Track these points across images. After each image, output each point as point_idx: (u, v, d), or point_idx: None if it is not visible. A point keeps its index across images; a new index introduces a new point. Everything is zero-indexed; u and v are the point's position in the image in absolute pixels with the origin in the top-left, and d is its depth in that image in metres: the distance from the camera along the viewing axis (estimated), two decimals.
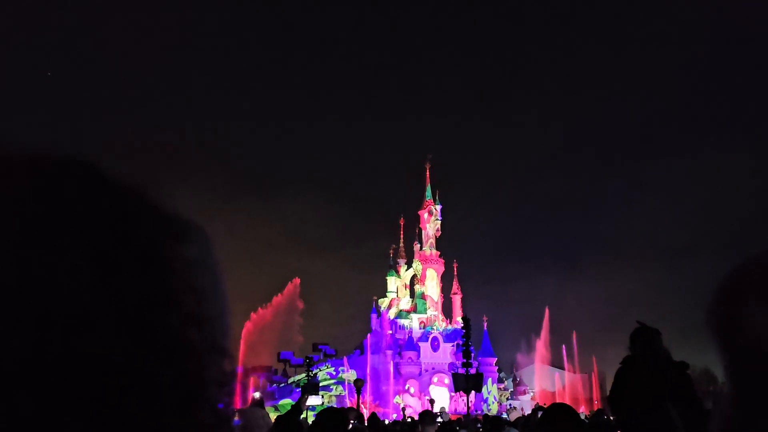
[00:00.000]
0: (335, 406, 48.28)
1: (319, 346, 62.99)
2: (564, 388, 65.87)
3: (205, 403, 0.55)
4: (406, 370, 58.02)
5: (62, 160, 0.54)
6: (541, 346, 71.92)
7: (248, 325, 57.09)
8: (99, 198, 0.53)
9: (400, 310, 62.69)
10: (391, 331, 60.68)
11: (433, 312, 63.98)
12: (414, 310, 63.28)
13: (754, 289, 0.78)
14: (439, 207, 65.90)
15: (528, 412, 22.29)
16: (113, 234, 0.51)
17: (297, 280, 60.15)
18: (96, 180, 0.54)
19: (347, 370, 58.00)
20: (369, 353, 59.62)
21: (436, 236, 65.93)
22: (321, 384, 45.07)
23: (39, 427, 0.45)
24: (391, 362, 58.22)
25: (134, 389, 0.49)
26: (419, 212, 66.38)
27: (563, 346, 72.74)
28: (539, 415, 4.42)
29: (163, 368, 0.51)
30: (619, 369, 4.01)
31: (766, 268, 0.79)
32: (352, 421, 9.45)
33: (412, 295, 65.18)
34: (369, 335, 62.07)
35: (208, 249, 0.59)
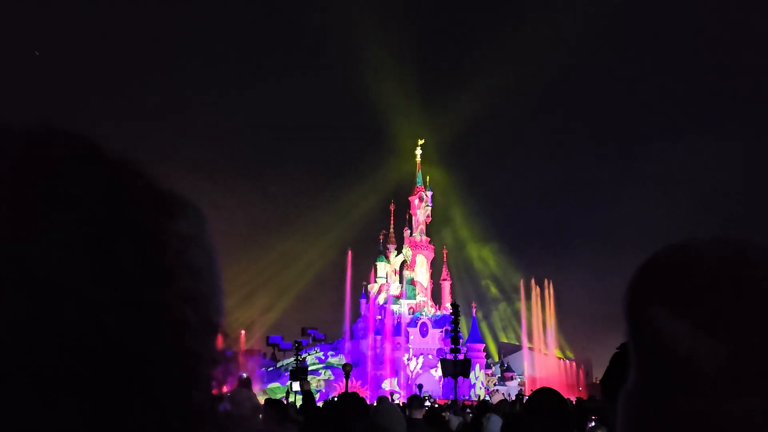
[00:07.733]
0: (324, 390, 48.61)
1: (308, 331, 63.15)
2: (552, 374, 66.37)
3: (200, 381, 0.54)
4: (394, 355, 58.27)
5: (59, 133, 0.53)
6: (530, 332, 72.51)
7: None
8: (94, 172, 0.52)
9: (390, 296, 62.87)
10: (380, 317, 60.87)
11: (423, 298, 64.21)
12: (403, 295, 63.44)
13: (658, 290, 0.74)
14: (429, 193, 65.90)
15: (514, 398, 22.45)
16: (108, 209, 0.51)
17: None
18: (92, 154, 0.53)
19: (336, 355, 58.20)
20: (358, 338, 59.81)
21: (426, 222, 65.99)
22: (309, 368, 45.22)
23: (31, 401, 0.45)
24: (380, 347, 58.45)
25: (129, 366, 0.49)
26: (409, 198, 66.35)
27: (553, 332, 73.26)
28: (524, 400, 4.43)
29: (157, 345, 0.51)
30: (615, 354, 4.02)
31: (671, 268, 0.75)
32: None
33: (402, 280, 65.34)
34: (358, 320, 62.25)
35: (202, 226, 0.58)
